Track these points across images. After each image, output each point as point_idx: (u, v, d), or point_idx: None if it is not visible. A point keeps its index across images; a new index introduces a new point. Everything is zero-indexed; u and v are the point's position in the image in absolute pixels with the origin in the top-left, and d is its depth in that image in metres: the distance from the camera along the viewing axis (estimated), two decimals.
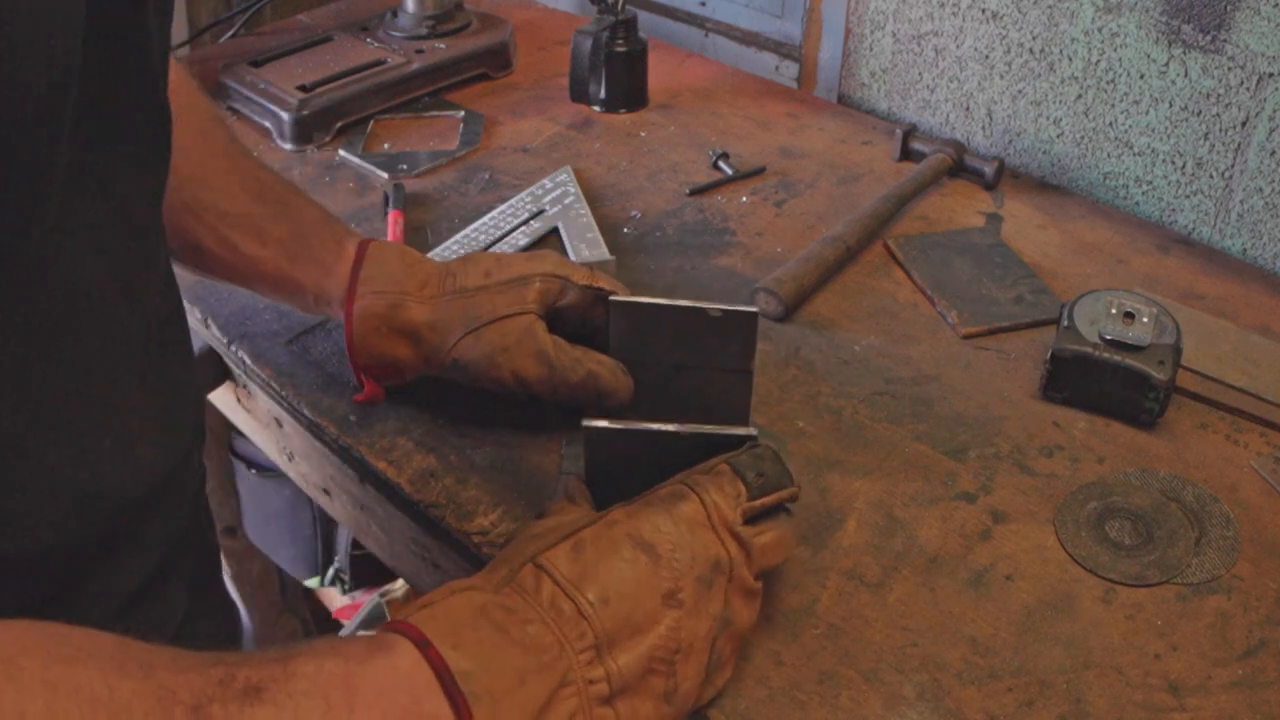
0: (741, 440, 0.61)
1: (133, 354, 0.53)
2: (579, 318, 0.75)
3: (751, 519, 0.59)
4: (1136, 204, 1.10)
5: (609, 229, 1.01)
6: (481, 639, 0.48)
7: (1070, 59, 1.09)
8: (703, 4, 1.43)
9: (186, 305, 0.79)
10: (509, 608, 0.50)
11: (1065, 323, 0.82)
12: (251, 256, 0.75)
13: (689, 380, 0.74)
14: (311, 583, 1.60)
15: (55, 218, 0.44)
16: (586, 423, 0.62)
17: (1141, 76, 1.04)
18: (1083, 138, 1.11)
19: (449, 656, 0.47)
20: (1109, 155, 1.10)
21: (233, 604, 0.75)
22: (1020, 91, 1.14)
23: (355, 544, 1.57)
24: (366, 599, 1.53)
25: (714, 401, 0.74)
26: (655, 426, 0.61)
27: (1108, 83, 1.07)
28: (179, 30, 1.47)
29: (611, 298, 0.72)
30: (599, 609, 0.52)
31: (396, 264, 0.75)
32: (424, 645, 0.47)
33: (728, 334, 0.71)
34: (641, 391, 0.74)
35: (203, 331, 0.90)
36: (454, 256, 0.96)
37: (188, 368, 0.63)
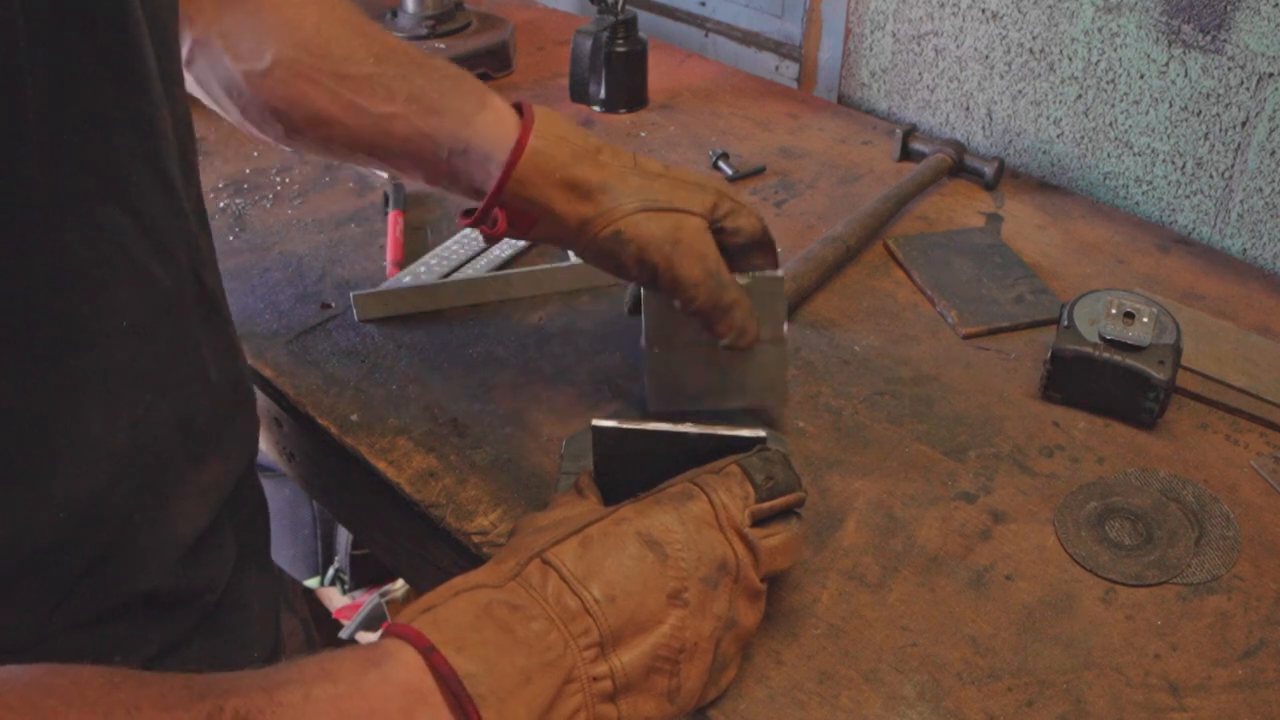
0: (751, 442, 0.61)
1: (169, 305, 0.53)
2: (724, 246, 0.73)
3: (760, 522, 0.58)
4: (1136, 204, 1.10)
5: None
6: (485, 640, 0.48)
7: (1070, 59, 1.09)
8: (703, 4, 1.43)
9: None
10: (514, 604, 0.50)
11: (1065, 323, 0.82)
12: (379, 115, 0.69)
13: (727, 356, 0.76)
14: (311, 583, 1.60)
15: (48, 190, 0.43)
16: (596, 423, 0.61)
17: (1141, 76, 1.04)
18: (1083, 138, 1.11)
19: (454, 660, 0.46)
20: (1109, 155, 1.10)
21: (271, 560, 0.75)
22: (1020, 91, 1.14)
23: (355, 544, 1.58)
24: (366, 599, 1.53)
25: (749, 377, 0.77)
26: (663, 427, 0.61)
27: (1108, 83, 1.07)
28: None
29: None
30: (604, 606, 0.51)
31: (570, 124, 0.71)
32: (428, 651, 0.46)
33: (757, 304, 0.74)
34: (676, 368, 0.77)
35: None
36: (454, 256, 0.96)
37: (225, 319, 0.62)
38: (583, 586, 0.51)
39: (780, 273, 0.75)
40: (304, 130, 0.71)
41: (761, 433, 0.61)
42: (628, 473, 0.62)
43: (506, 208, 0.70)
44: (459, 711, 0.46)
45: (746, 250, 0.74)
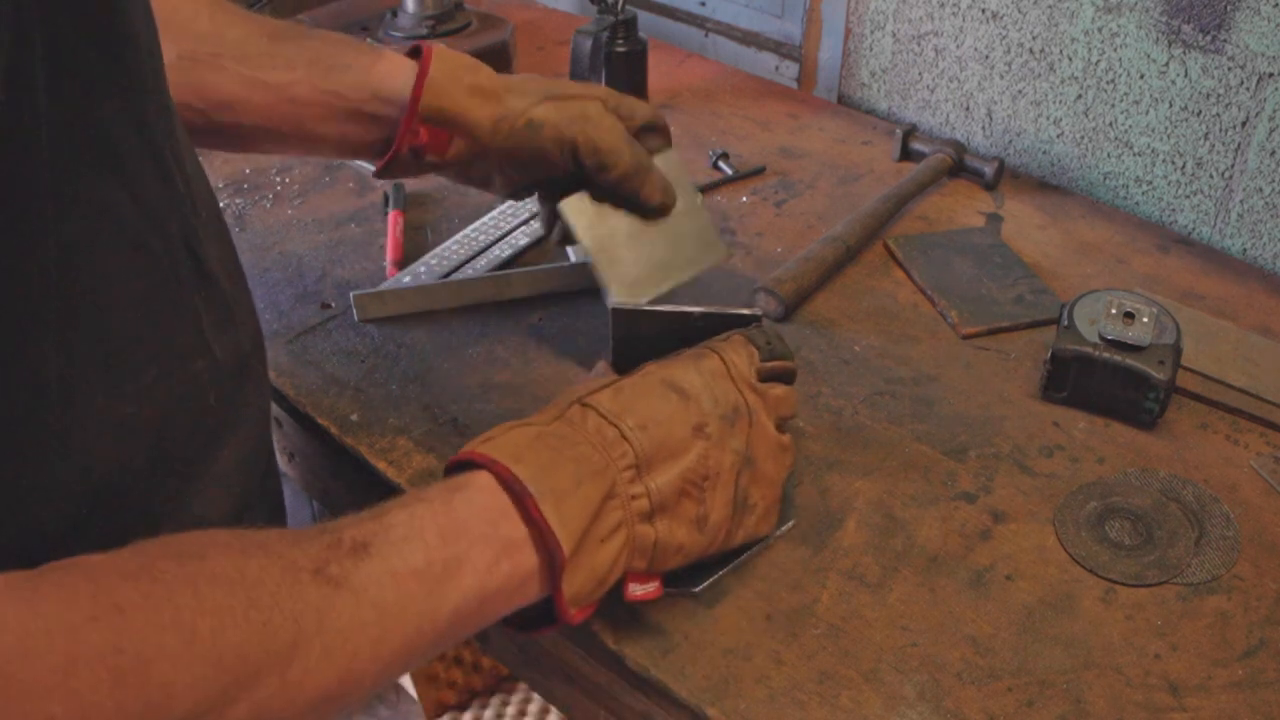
0: (749, 318, 0.70)
1: (164, 277, 0.53)
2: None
3: (763, 381, 0.66)
4: (1136, 204, 1.10)
5: None
6: (540, 455, 0.55)
7: (1070, 59, 1.09)
8: (703, 4, 1.43)
9: None
10: (560, 435, 0.58)
11: (1065, 323, 0.82)
12: (282, 83, 0.72)
13: (660, 232, 0.81)
14: None
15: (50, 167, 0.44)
16: (614, 304, 0.72)
17: (1141, 76, 1.04)
18: (1083, 138, 1.11)
19: (515, 469, 0.54)
20: (1109, 155, 1.10)
21: None
22: (1020, 91, 1.14)
23: None
24: None
25: (687, 247, 0.82)
26: (673, 307, 0.70)
27: (1108, 83, 1.07)
28: None
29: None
30: (638, 433, 0.59)
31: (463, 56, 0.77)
32: (491, 464, 0.54)
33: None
34: (623, 266, 0.80)
35: None
36: (454, 256, 0.96)
37: (224, 297, 0.61)
38: (618, 419, 0.59)
39: (757, 312, 0.74)
40: (213, 118, 0.73)
41: (758, 311, 0.71)
42: (642, 349, 0.69)
43: (423, 126, 0.74)
44: (528, 518, 0.53)
45: (643, 134, 0.80)
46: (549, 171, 0.78)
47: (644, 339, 0.70)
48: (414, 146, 0.75)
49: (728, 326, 0.69)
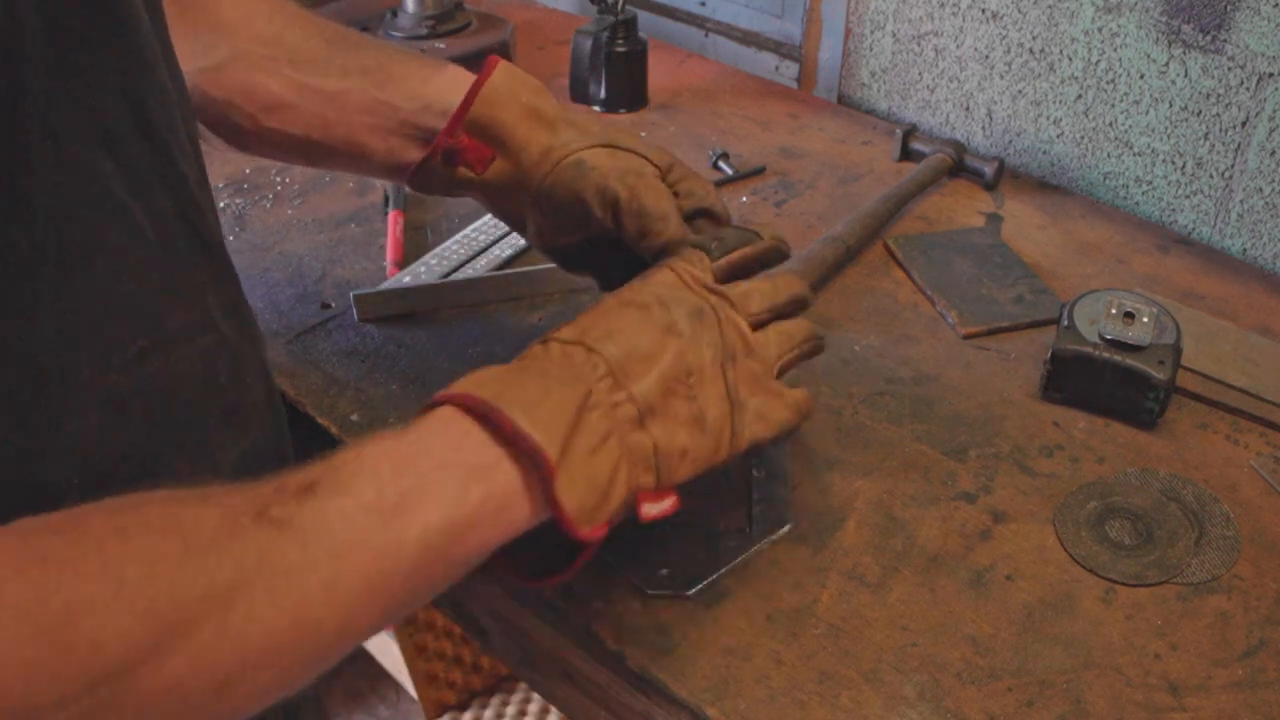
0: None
1: (156, 249, 0.52)
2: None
3: (728, 280, 0.63)
4: (1136, 204, 1.10)
5: None
6: (503, 378, 0.53)
7: (1070, 59, 1.09)
8: (703, 4, 1.43)
9: None
10: (523, 366, 0.55)
11: (1065, 323, 0.82)
12: (334, 91, 0.70)
13: None
14: None
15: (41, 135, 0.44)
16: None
17: (1141, 76, 1.04)
18: (1083, 138, 1.11)
19: (477, 392, 0.51)
20: (1109, 155, 1.10)
21: None
22: (1020, 91, 1.14)
23: None
24: None
25: None
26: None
27: (1108, 83, 1.07)
28: None
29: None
30: (605, 343, 0.56)
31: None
32: (450, 397, 0.51)
33: None
34: None
35: None
36: (454, 256, 0.96)
37: (219, 261, 0.61)
38: (581, 338, 0.56)
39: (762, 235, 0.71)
40: (261, 122, 0.70)
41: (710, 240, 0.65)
42: None
43: (468, 135, 0.70)
44: (499, 437, 0.50)
45: (694, 218, 0.72)
46: (586, 226, 0.70)
47: None
48: (450, 150, 0.70)
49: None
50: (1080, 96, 1.10)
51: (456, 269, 0.95)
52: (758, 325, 0.63)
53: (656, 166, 0.70)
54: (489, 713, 1.66)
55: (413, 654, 1.56)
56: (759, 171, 1.11)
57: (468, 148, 0.70)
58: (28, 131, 0.43)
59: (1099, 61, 1.07)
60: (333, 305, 0.91)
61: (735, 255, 0.63)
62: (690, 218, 0.70)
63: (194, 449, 0.55)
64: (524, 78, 0.71)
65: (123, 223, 0.50)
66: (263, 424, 0.61)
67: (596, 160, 0.69)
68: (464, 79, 0.70)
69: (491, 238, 0.99)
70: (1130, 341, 0.79)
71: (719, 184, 1.09)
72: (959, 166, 1.10)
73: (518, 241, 0.98)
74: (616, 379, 0.55)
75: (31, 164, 0.43)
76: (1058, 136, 1.13)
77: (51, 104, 0.44)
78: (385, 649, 1.64)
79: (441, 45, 1.25)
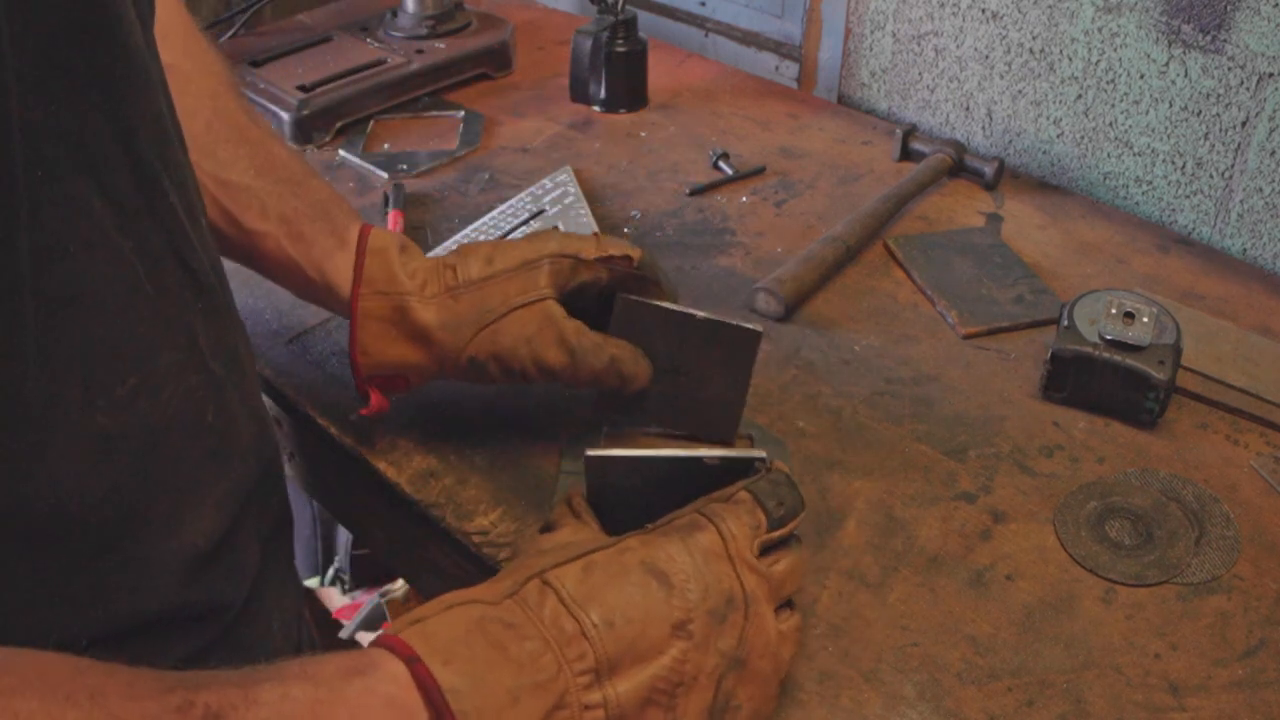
0: (750, 462, 0.58)
1: (144, 285, 0.51)
2: (597, 292, 0.72)
3: (766, 549, 0.56)
4: (1136, 204, 1.10)
5: (609, 229, 1.01)
6: (474, 655, 0.47)
7: (1070, 59, 1.09)
8: (703, 4, 1.43)
9: None
10: (508, 622, 0.49)
11: (1065, 323, 0.82)
12: (251, 230, 0.71)
13: (683, 385, 0.74)
14: (311, 583, 1.60)
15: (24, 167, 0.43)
16: (590, 452, 0.59)
17: (1141, 76, 1.04)
18: (1083, 138, 1.11)
19: (439, 673, 0.45)
20: (1109, 155, 1.10)
21: (296, 571, 0.74)
22: (1020, 91, 1.14)
23: (355, 544, 1.57)
24: (367, 599, 1.53)
25: (705, 408, 0.75)
26: (659, 454, 0.60)
27: (1108, 83, 1.07)
28: None
29: (620, 295, 0.71)
30: (602, 631, 0.50)
31: (395, 263, 0.72)
32: (412, 661, 0.45)
33: (729, 348, 0.73)
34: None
35: None
36: None
37: (226, 313, 0.61)
38: (581, 610, 0.50)
39: (758, 328, 0.72)
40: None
41: (762, 453, 0.58)
42: (624, 496, 0.59)
43: (373, 382, 0.73)
44: None
45: (622, 287, 0.72)
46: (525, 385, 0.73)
47: (625, 486, 0.59)
48: (368, 394, 0.73)
49: (726, 471, 0.58)
50: (1080, 96, 1.10)
51: None
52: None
53: (538, 300, 0.70)
54: None
55: None
56: (759, 171, 1.11)
57: (381, 395, 0.74)
58: (6, 158, 0.42)
59: (1099, 61, 1.07)
60: None
61: (788, 529, 0.56)
62: (621, 288, 0.71)
63: (179, 487, 0.54)
64: (380, 306, 0.70)
65: (109, 256, 0.49)
66: (251, 461, 0.61)
67: (487, 349, 0.70)
68: (347, 280, 0.71)
69: (491, 238, 0.99)
70: (1130, 341, 0.79)
71: (719, 184, 1.09)
72: (959, 166, 1.10)
73: None
74: (599, 676, 0.49)
75: (12, 192, 0.42)
76: (1058, 136, 1.13)
77: (33, 130, 0.43)
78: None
79: (441, 45, 1.25)
